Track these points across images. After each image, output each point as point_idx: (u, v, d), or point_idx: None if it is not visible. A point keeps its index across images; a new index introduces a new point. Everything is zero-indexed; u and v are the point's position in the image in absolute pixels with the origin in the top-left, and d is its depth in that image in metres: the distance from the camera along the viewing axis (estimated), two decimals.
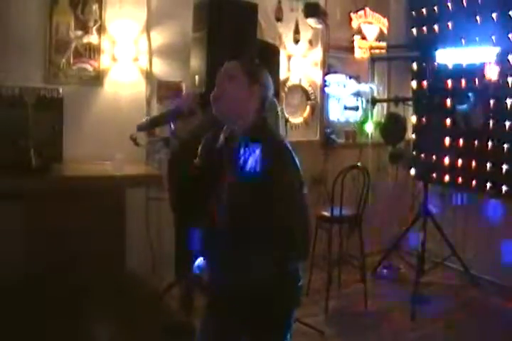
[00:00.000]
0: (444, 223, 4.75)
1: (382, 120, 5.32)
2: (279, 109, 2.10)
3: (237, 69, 1.98)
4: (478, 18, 4.71)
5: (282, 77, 4.70)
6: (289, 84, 4.93)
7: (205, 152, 2.06)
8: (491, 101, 4.63)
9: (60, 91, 3.61)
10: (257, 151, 1.85)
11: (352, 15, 5.24)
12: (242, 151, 1.91)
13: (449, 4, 5.00)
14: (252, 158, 1.85)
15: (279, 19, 4.81)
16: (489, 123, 4.64)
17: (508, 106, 4.49)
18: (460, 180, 4.94)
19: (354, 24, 5.26)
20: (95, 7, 3.90)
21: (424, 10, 5.31)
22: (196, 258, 2.10)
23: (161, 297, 3.74)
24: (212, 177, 1.99)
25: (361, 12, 5.29)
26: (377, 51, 5.35)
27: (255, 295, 1.86)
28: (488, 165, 4.67)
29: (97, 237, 3.12)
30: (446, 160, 5.06)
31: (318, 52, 5.09)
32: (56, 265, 3.04)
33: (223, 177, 1.95)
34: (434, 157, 5.09)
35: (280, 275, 1.90)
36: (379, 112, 5.48)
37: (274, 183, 1.84)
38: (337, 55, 5.19)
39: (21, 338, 2.83)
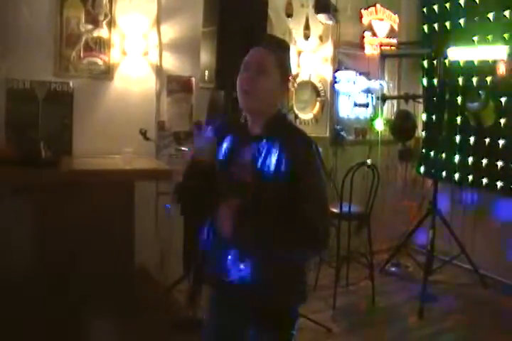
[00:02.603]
0: (453, 221, 4.73)
1: (392, 117, 5.30)
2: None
3: (270, 63, 1.86)
4: (490, 15, 4.67)
5: (292, 72, 4.67)
6: (299, 80, 4.91)
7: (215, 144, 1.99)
8: (503, 100, 4.59)
9: (71, 84, 3.62)
10: (281, 147, 1.79)
11: (363, 11, 5.21)
12: (262, 147, 1.84)
13: (461, 1, 4.97)
14: (275, 155, 1.79)
15: (289, 15, 4.79)
16: (500, 122, 4.61)
17: None
18: (470, 178, 4.92)
19: (365, 20, 5.23)
20: (105, 1, 3.89)
21: (435, 7, 5.27)
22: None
23: (168, 291, 3.74)
24: (222, 174, 1.93)
25: (372, 8, 5.26)
26: (387, 48, 5.32)
27: (265, 291, 1.84)
28: (499, 163, 4.64)
29: (106, 231, 3.12)
30: (457, 158, 5.03)
31: (328, 48, 5.07)
32: (65, 257, 3.04)
33: (237, 175, 1.89)
34: (444, 155, 5.06)
35: (292, 272, 1.89)
36: (389, 109, 5.46)
37: (302, 183, 1.77)
38: (347, 52, 5.17)
39: (33, 329, 2.83)
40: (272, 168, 1.79)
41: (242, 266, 1.84)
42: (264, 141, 1.85)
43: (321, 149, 1.88)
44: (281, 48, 1.97)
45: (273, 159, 1.80)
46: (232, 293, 1.91)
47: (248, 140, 1.91)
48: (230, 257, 1.88)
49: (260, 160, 1.83)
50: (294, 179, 1.77)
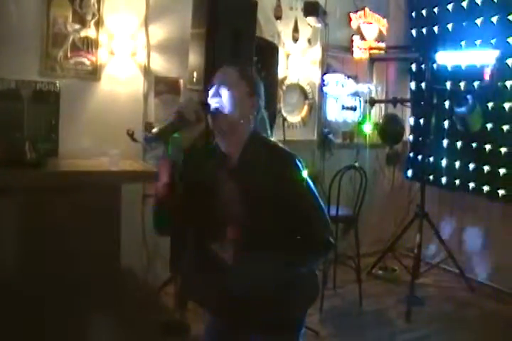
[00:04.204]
0: (440, 225, 4.74)
1: (380, 121, 5.31)
2: (268, 125, 1.97)
3: (237, 77, 1.85)
4: (478, 21, 4.69)
5: (280, 75, 4.66)
6: (287, 82, 4.90)
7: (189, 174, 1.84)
8: (490, 105, 4.61)
9: (57, 84, 3.57)
10: (265, 172, 1.76)
11: (351, 15, 5.22)
12: (245, 167, 1.81)
13: (449, 6, 4.99)
14: (259, 181, 1.76)
15: (278, 17, 4.79)
16: (487, 127, 4.63)
17: (507, 110, 4.48)
18: (457, 182, 4.93)
19: (353, 24, 5.25)
20: (93, 1, 3.85)
21: (424, 11, 5.29)
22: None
23: (155, 294, 3.71)
24: (205, 209, 1.86)
25: (361, 12, 5.27)
26: (376, 51, 5.33)
27: (277, 299, 1.81)
28: (486, 168, 4.65)
29: (92, 233, 3.08)
30: (444, 162, 5.04)
31: (317, 51, 5.06)
32: (50, 261, 3.00)
33: (223, 210, 1.84)
34: (431, 159, 5.08)
35: (304, 277, 1.90)
36: (377, 113, 5.47)
37: (297, 202, 1.79)
38: (336, 55, 5.17)
39: (15, 337, 2.78)
40: (260, 195, 1.77)
41: (256, 283, 1.77)
42: (245, 168, 1.81)
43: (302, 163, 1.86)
44: (249, 67, 1.97)
45: (258, 185, 1.77)
46: (236, 303, 1.83)
47: (228, 168, 1.86)
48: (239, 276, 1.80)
49: (245, 190, 1.79)
50: (287, 200, 1.77)
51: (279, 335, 1.90)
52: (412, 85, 5.46)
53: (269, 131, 1.97)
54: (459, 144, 4.92)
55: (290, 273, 1.80)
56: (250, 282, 1.75)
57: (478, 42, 4.67)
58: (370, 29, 5.35)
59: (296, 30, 4.92)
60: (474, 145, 4.76)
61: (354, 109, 5.33)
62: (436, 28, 5.15)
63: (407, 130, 5.45)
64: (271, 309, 1.82)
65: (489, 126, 4.62)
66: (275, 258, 1.73)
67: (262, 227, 1.78)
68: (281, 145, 1.89)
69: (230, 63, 1.94)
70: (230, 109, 1.81)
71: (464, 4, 4.83)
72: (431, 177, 5.10)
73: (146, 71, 4.12)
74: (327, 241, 1.80)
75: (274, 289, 1.77)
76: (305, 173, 1.83)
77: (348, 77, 5.24)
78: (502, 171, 4.50)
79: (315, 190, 1.85)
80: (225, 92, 1.82)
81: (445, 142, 5.04)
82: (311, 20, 4.83)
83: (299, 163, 1.83)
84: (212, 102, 1.83)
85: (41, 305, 2.88)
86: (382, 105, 5.49)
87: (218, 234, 1.86)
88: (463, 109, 4.57)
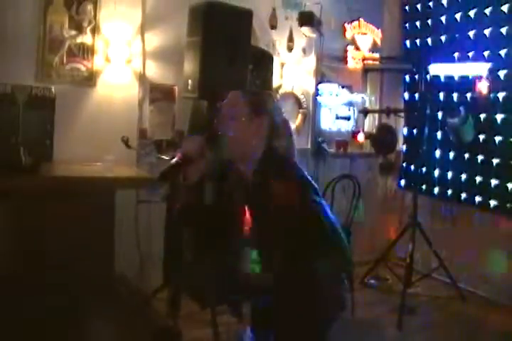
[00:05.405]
0: (432, 235, 4.75)
1: (374, 131, 5.34)
2: (292, 131, 2.02)
3: (240, 104, 1.89)
4: (471, 33, 4.74)
5: (275, 84, 4.69)
6: (282, 91, 4.93)
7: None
8: (482, 116, 4.65)
9: (53, 90, 3.58)
10: (274, 186, 1.79)
11: (346, 25, 5.26)
12: (259, 189, 1.83)
13: (443, 18, 5.04)
14: (270, 194, 1.78)
15: (273, 27, 4.82)
16: (479, 138, 4.66)
17: (498, 121, 4.51)
18: (449, 192, 4.95)
19: (348, 34, 5.28)
20: (90, 7, 3.88)
21: (417, 22, 5.35)
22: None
23: (148, 300, 3.69)
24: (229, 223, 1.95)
25: (355, 22, 5.31)
26: (370, 62, 5.37)
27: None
28: (478, 179, 4.68)
29: (86, 239, 3.07)
30: (436, 173, 5.07)
31: (311, 60, 5.09)
32: (43, 266, 2.99)
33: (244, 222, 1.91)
34: (424, 169, 5.10)
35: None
36: (371, 123, 5.50)
37: (304, 219, 1.82)
38: (330, 65, 5.19)
39: (11, 337, 2.76)
40: (270, 219, 1.80)
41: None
42: (256, 191, 1.85)
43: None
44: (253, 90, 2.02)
45: (268, 209, 1.79)
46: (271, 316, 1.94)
47: (243, 189, 1.92)
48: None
49: (259, 213, 1.86)
50: (297, 226, 1.80)
51: None
52: (406, 96, 5.50)
53: (293, 144, 2.00)
54: (451, 155, 4.95)
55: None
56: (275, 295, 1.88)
57: (470, 54, 4.72)
58: (365, 39, 5.39)
59: (291, 39, 4.95)
60: (466, 156, 4.79)
61: (348, 118, 5.36)
62: (429, 40, 5.21)
63: (400, 140, 5.49)
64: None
65: (481, 137, 4.65)
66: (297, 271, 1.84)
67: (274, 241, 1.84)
68: (296, 170, 1.91)
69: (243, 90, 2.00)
70: (237, 140, 1.86)
71: (458, 16, 4.89)
72: (423, 187, 5.12)
73: (142, 78, 4.14)
74: (340, 253, 1.98)
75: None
76: (316, 198, 1.88)
77: (342, 86, 5.27)
78: (494, 182, 4.53)
79: (327, 213, 1.90)
80: (229, 124, 1.87)
81: (438, 152, 5.07)
82: (306, 30, 4.86)
83: (308, 192, 1.87)
84: (222, 131, 1.87)
85: (30, 310, 2.86)
86: (376, 115, 5.52)
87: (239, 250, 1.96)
88: (455, 120, 4.60)
